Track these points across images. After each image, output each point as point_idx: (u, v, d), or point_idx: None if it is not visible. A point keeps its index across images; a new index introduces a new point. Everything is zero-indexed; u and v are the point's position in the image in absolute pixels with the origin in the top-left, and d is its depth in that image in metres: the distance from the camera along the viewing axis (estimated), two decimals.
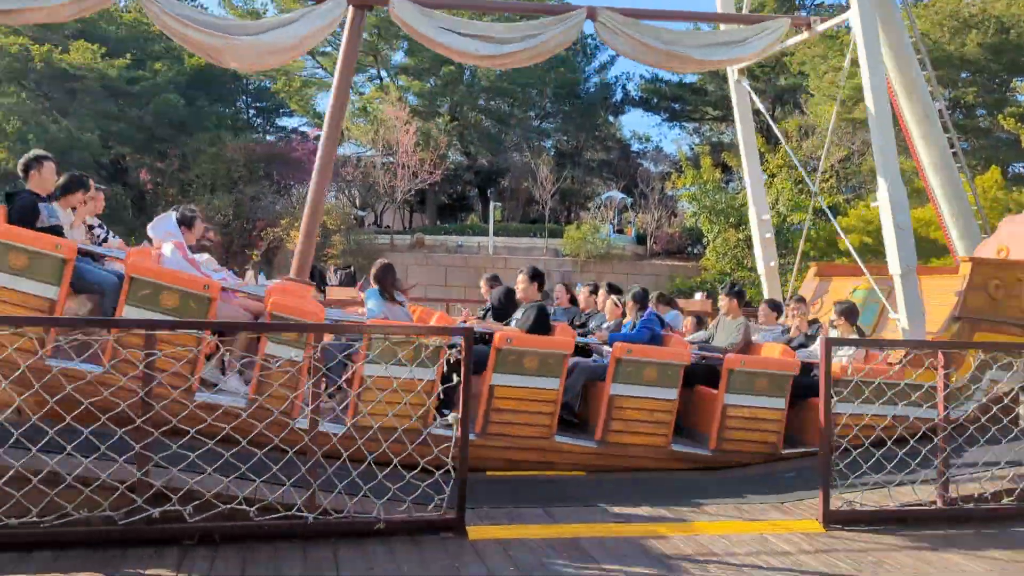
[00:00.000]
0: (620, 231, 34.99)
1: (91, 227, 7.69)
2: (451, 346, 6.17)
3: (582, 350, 8.37)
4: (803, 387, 7.91)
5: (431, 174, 32.88)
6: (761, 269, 12.29)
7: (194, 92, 35.60)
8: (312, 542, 4.65)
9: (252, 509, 4.64)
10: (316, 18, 8.26)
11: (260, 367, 6.34)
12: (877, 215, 25.37)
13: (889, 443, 5.90)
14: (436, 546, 4.72)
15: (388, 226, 38.92)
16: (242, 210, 31.43)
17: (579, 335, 8.31)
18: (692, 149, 42.35)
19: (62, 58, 31.71)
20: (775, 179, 28.23)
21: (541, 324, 7.62)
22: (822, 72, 31.60)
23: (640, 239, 33.83)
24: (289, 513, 4.69)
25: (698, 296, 14.73)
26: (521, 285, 8.20)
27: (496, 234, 32.64)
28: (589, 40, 44.16)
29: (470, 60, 9.33)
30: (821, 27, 10.27)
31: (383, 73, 40.93)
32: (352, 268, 23.35)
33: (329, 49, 40.15)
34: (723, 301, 9.16)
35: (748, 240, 28.05)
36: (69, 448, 4.50)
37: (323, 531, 4.73)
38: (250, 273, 26.10)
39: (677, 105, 44.49)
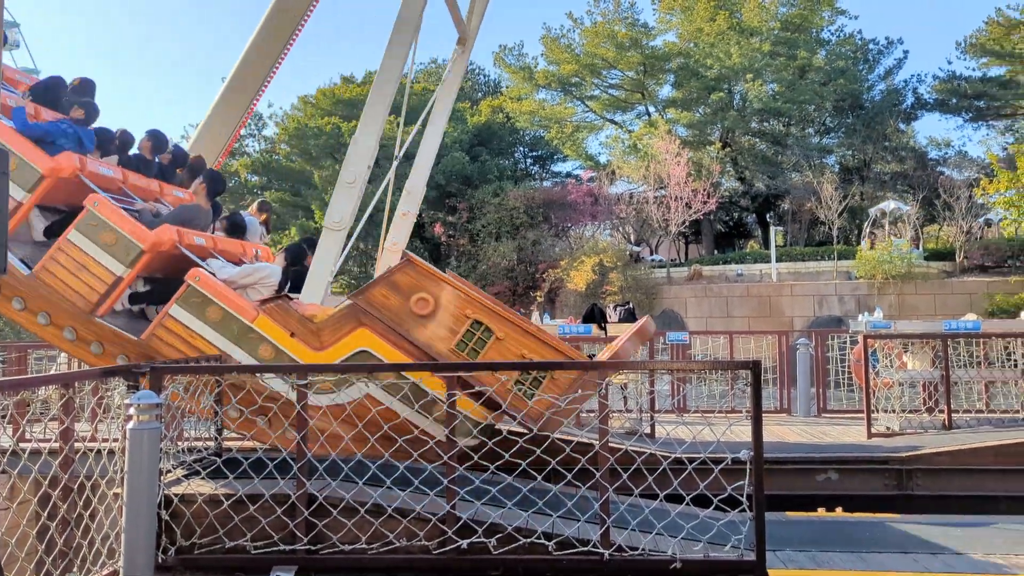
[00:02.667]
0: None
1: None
2: None
3: None
4: None
5: (705, 203, 32.38)
6: None
7: (477, 148, 38.42)
8: None
9: (550, 544, 4.79)
10: None
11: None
12: None
13: None
14: None
15: (664, 259, 38.82)
16: (524, 254, 33.10)
17: None
18: (1005, 150, 37.64)
19: None
20: None
21: None
22: None
23: (939, 254, 30.42)
24: (586, 549, 4.77)
25: None
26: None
27: (779, 260, 31.21)
28: (872, 46, 41.21)
29: None
30: None
31: (651, 109, 41.26)
32: (631, 304, 23.52)
33: (597, 92, 41.39)
34: None
35: None
36: (388, 482, 4.98)
37: (620, 568, 4.75)
38: (535, 314, 27.29)
39: (982, 103, 39.87)
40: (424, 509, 4.91)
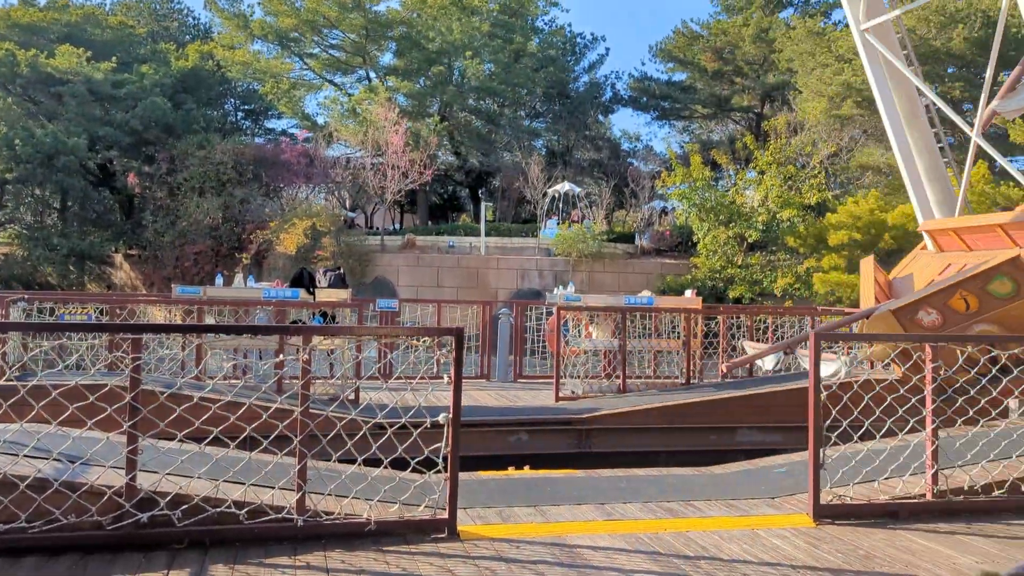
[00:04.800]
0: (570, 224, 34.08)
1: None
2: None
3: None
4: None
5: (421, 174, 32.87)
6: None
7: (181, 95, 35.52)
8: (303, 544, 4.63)
9: (242, 512, 4.62)
10: None
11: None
12: (866, 211, 25.53)
13: (878, 437, 5.91)
14: (427, 547, 4.71)
15: (379, 227, 38.88)
16: (231, 212, 31.34)
17: None
18: (682, 147, 42.49)
19: (47, 63, 31.59)
20: (765, 176, 28.33)
21: None
22: (810, 68, 31.71)
23: (625, 237, 33.62)
24: (279, 516, 4.67)
25: (688, 293, 14.73)
26: None
27: (488, 234, 32.63)
28: (579, 40, 44.24)
29: None
30: None
31: (371, 74, 40.88)
32: (342, 270, 23.30)
33: (317, 50, 40.11)
34: None
35: (738, 237, 28.21)
36: (56, 453, 4.48)
37: (313, 533, 4.71)
38: (239, 276, 26.03)
39: (666, 103, 44.63)
40: (98, 482, 4.49)
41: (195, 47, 38.96)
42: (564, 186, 35.24)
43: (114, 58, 33.67)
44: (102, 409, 4.64)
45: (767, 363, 11.50)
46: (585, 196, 35.77)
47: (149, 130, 33.17)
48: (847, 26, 24.22)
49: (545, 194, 35.26)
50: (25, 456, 4.49)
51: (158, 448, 5.04)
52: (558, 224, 32.94)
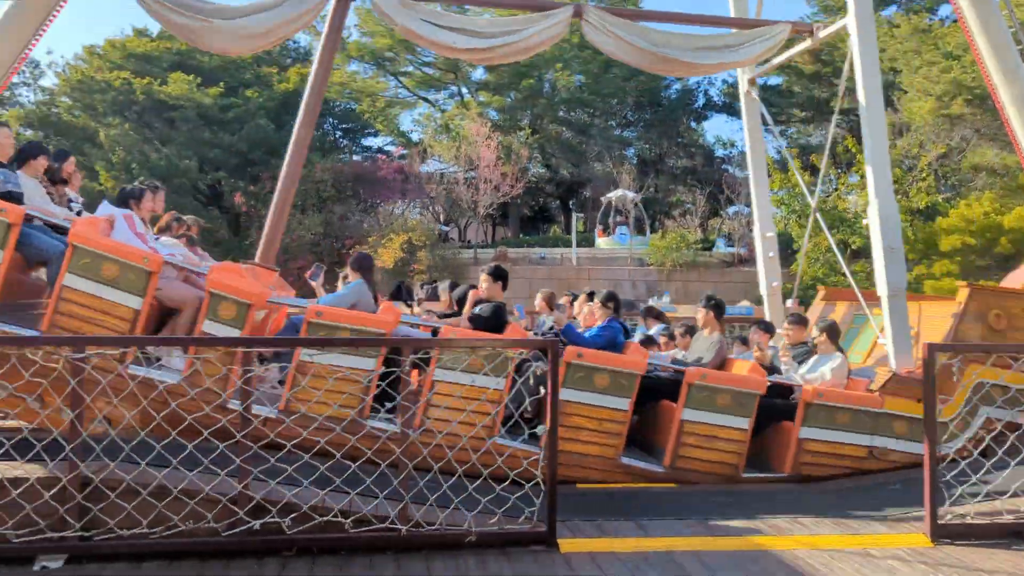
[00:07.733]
0: (624, 233, 33.64)
1: (71, 200, 7.82)
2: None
3: None
4: (777, 410, 7.57)
5: (513, 187, 33.10)
6: (764, 290, 11.85)
7: (284, 117, 36.88)
8: (405, 554, 4.71)
9: (347, 521, 4.73)
10: (292, 6, 8.24)
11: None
12: (980, 214, 24.23)
13: (1000, 452, 5.59)
14: (527, 559, 4.71)
15: (472, 240, 39.32)
16: (331, 229, 32.31)
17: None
18: (779, 152, 41.36)
19: (161, 89, 33.38)
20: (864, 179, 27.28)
21: (488, 322, 7.48)
22: (916, 67, 30.42)
23: (712, 245, 32.99)
24: (383, 525, 4.76)
25: (788, 303, 14.29)
26: (484, 284, 8.09)
27: (579, 245, 32.55)
28: None
29: (450, 53, 9.07)
30: (823, 33, 9.96)
31: (463, 90, 41.48)
32: (437, 284, 23.62)
33: (411, 68, 41.02)
34: (700, 314, 8.63)
35: (842, 244, 27.22)
36: (175, 462, 4.70)
37: (416, 543, 4.78)
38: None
39: (762, 108, 43.59)
40: (213, 490, 4.69)
41: (296, 70, 40.41)
42: (617, 192, 34.77)
43: (221, 83, 35.30)
44: (216, 419, 4.85)
45: None
46: (638, 204, 35.34)
47: (254, 151, 34.57)
48: (955, 22, 23.18)
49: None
50: (148, 465, 4.72)
51: (267, 457, 5.22)
52: (596, 234, 32.89)
